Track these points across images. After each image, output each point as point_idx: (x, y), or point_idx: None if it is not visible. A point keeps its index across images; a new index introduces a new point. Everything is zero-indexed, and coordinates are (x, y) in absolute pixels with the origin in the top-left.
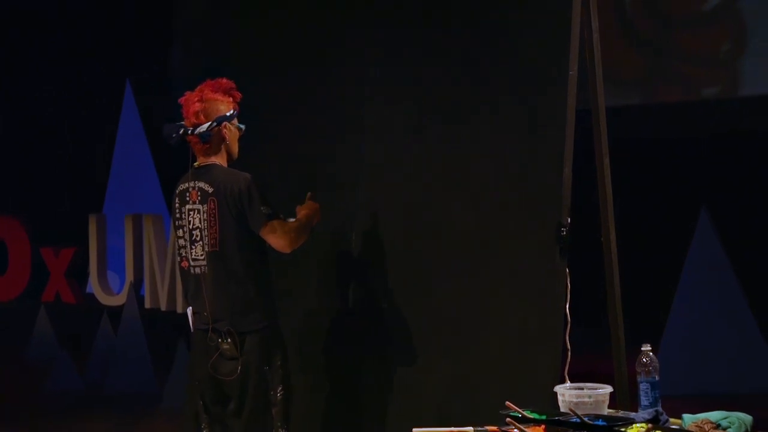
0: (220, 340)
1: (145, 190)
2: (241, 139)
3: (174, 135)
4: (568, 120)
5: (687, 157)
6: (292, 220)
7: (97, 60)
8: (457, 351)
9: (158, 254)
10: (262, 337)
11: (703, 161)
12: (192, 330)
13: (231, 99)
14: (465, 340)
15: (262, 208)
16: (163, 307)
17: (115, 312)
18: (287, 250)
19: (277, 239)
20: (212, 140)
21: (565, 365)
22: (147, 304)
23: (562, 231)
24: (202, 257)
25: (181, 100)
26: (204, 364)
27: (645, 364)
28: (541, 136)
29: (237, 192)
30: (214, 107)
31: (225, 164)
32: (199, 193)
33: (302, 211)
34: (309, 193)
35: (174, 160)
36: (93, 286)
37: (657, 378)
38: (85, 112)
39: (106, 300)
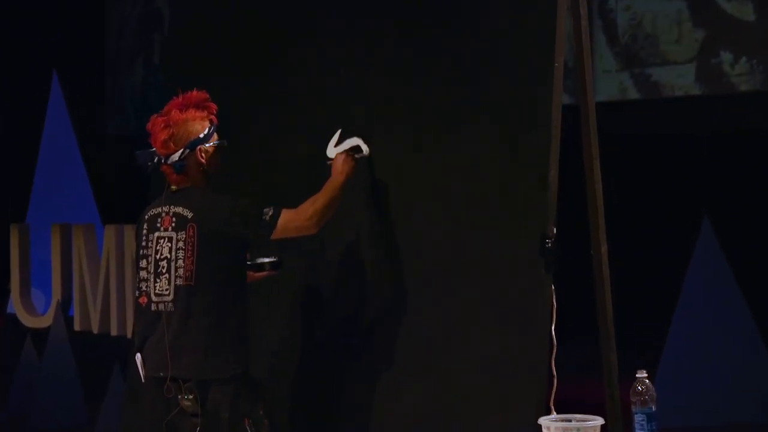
0: (180, 395)
1: (74, 196)
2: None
3: (149, 164)
4: (552, 117)
5: (687, 158)
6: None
7: (18, 47)
8: (429, 378)
9: (90, 269)
10: (234, 387)
11: (704, 162)
12: (143, 379)
13: (205, 113)
14: (438, 366)
15: (264, 212)
16: (95, 330)
17: (40, 335)
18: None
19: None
20: (187, 168)
21: (550, 394)
22: (76, 326)
23: (547, 243)
24: (168, 292)
25: (148, 126)
26: (157, 422)
27: (640, 393)
28: (522, 136)
29: (227, 213)
30: (185, 130)
31: (207, 186)
32: (174, 219)
33: (337, 172)
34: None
35: (107, 162)
36: (15, 305)
37: (654, 408)
38: (5, 107)
39: (29, 321)
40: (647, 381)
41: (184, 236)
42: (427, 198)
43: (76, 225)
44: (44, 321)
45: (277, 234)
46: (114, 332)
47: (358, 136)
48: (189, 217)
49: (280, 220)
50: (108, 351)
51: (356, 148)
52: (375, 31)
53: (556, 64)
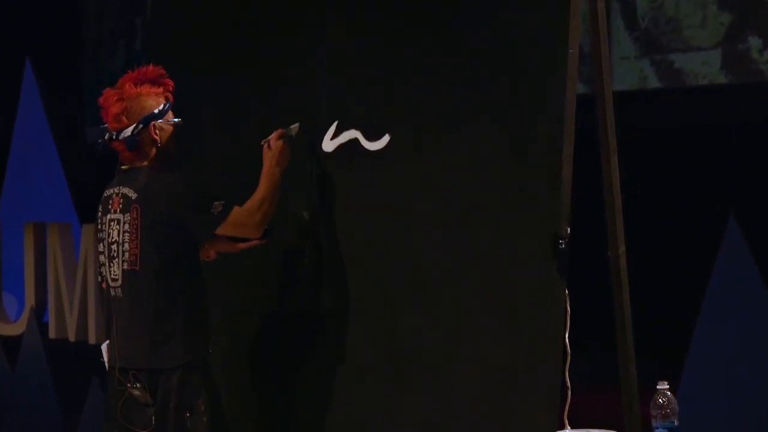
0: (129, 383)
1: (49, 193)
2: (180, 134)
3: (100, 141)
4: (566, 109)
5: (712, 151)
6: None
7: None
8: (431, 390)
9: (66, 273)
10: (181, 376)
11: (730, 155)
12: (107, 368)
13: (161, 89)
14: (442, 377)
15: (213, 206)
16: (71, 338)
17: (13, 343)
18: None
19: (244, 229)
20: (140, 145)
21: (564, 407)
22: (52, 334)
23: (561, 244)
24: (118, 278)
25: (100, 100)
26: (115, 413)
27: (661, 406)
28: (533, 129)
29: (169, 200)
30: (139, 105)
31: (160, 167)
32: (121, 201)
33: (271, 164)
34: (277, 132)
35: (85, 157)
36: None
37: (676, 423)
38: None
39: (0, 329)
40: (669, 393)
41: (129, 218)
42: (429, 196)
43: (51, 224)
44: (17, 328)
45: (222, 230)
46: (92, 340)
47: (355, 129)
48: (133, 198)
49: (229, 217)
50: (86, 360)
51: (290, 130)
52: (374, 19)
53: (570, 51)
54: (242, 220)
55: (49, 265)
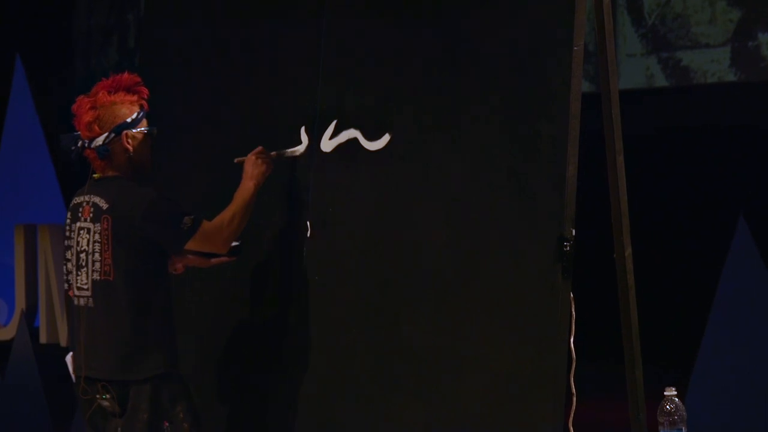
0: (97, 394)
1: (40, 193)
2: (155, 143)
3: (73, 148)
4: (571, 108)
5: (721, 151)
6: None
7: None
8: (432, 397)
9: (57, 275)
10: (154, 387)
11: (739, 155)
12: (73, 379)
13: (136, 97)
14: (443, 383)
15: (183, 221)
16: (62, 343)
17: (3, 348)
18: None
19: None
20: (112, 154)
21: (569, 414)
22: (42, 339)
23: (565, 246)
24: (87, 287)
25: (73, 107)
26: (84, 422)
27: (669, 413)
28: (537, 129)
29: (139, 213)
30: (112, 113)
31: (132, 177)
32: (92, 210)
33: (246, 177)
34: (256, 150)
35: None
36: None
37: (684, 430)
38: None
39: None
40: (676, 399)
41: (99, 228)
42: (430, 197)
43: (41, 225)
44: (7, 333)
45: (191, 245)
46: None
47: (355, 128)
48: (104, 208)
49: (197, 233)
50: None
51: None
52: (373, 14)
53: (575, 48)
54: (210, 235)
55: (39, 267)
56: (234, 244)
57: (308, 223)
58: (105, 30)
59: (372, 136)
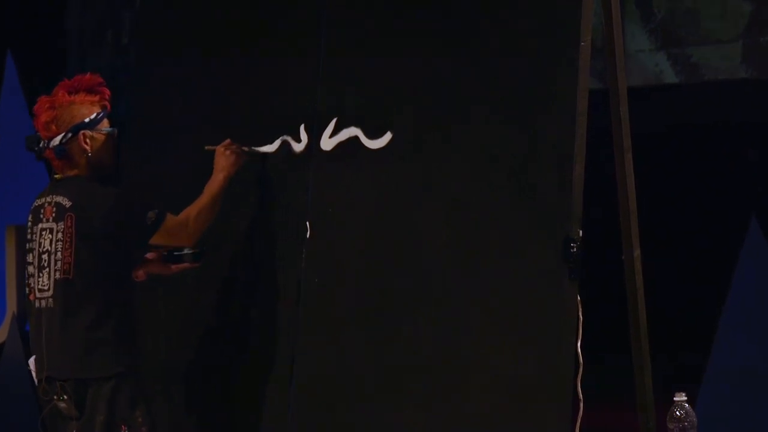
0: (55, 395)
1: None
2: (117, 144)
3: (36, 148)
4: (578, 105)
5: (732, 149)
6: None
7: None
8: (435, 403)
9: None
10: (113, 387)
11: (751, 154)
12: (36, 382)
13: (97, 98)
14: (446, 388)
15: (147, 216)
16: None
17: None
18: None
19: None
20: (70, 154)
21: (576, 420)
22: None
23: (572, 247)
24: (47, 287)
25: (34, 107)
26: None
27: (679, 419)
28: (542, 127)
29: (103, 209)
30: (70, 113)
31: (93, 177)
32: (54, 209)
33: (216, 169)
34: (225, 142)
35: None
36: None
37: None
38: None
39: None
40: (687, 405)
41: (63, 227)
42: (433, 197)
43: None
44: None
45: (155, 240)
46: None
47: (356, 126)
48: (67, 206)
49: (162, 227)
50: None
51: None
52: (374, 10)
53: (582, 43)
54: (175, 230)
55: None
56: (193, 251)
57: (308, 223)
58: (99, 27)
59: (373, 135)
